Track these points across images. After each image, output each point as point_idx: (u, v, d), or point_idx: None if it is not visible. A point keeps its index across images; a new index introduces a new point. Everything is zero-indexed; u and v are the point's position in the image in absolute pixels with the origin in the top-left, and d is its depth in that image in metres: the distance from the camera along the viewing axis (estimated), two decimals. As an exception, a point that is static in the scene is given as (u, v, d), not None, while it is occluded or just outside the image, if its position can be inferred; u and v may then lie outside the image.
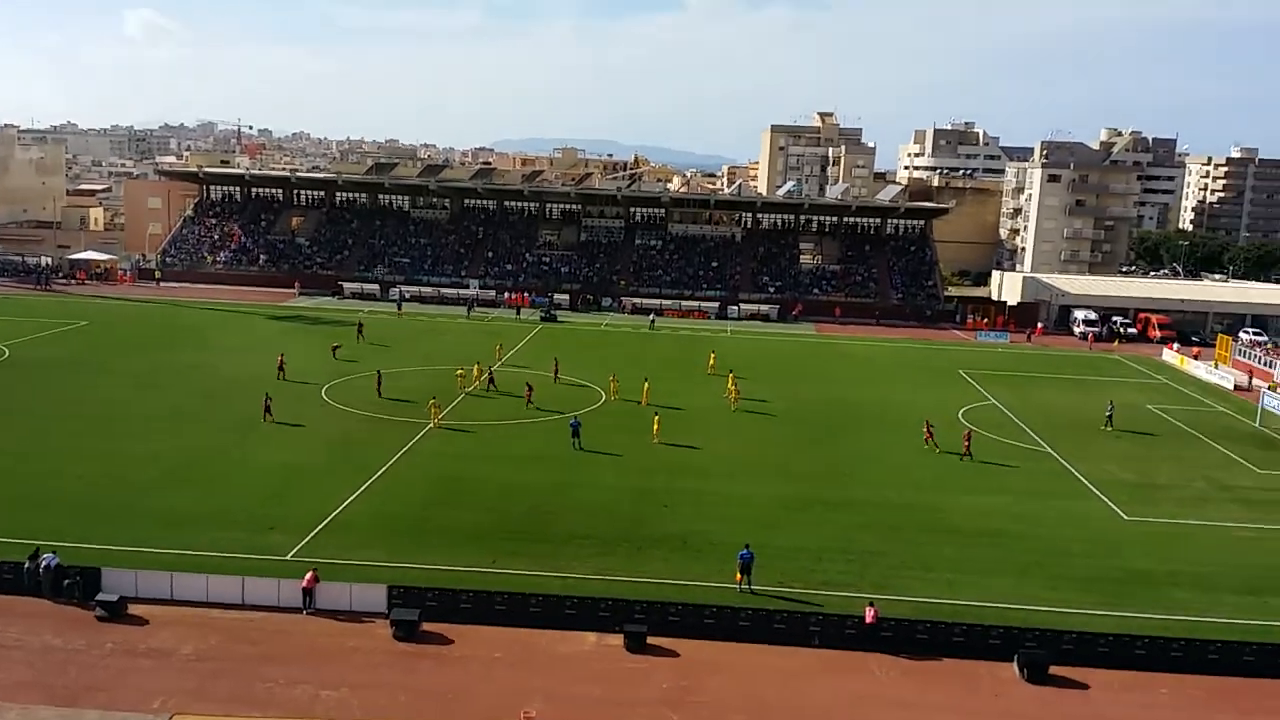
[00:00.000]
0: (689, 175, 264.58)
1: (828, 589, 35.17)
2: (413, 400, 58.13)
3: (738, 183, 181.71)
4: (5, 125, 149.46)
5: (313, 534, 38.05)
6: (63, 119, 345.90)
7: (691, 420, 57.55)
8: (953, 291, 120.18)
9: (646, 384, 61.69)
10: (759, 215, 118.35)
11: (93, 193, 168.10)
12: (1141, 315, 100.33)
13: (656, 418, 53.31)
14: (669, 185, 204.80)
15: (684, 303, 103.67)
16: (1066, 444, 55.72)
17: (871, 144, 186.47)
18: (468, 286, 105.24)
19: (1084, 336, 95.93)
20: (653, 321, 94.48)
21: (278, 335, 78.74)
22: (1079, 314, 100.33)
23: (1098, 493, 47.39)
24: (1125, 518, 44.22)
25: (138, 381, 61.83)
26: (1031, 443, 56.19)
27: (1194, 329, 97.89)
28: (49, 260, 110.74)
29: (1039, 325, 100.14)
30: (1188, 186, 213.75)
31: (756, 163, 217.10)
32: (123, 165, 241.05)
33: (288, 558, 35.82)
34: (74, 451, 46.95)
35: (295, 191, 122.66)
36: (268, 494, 42.42)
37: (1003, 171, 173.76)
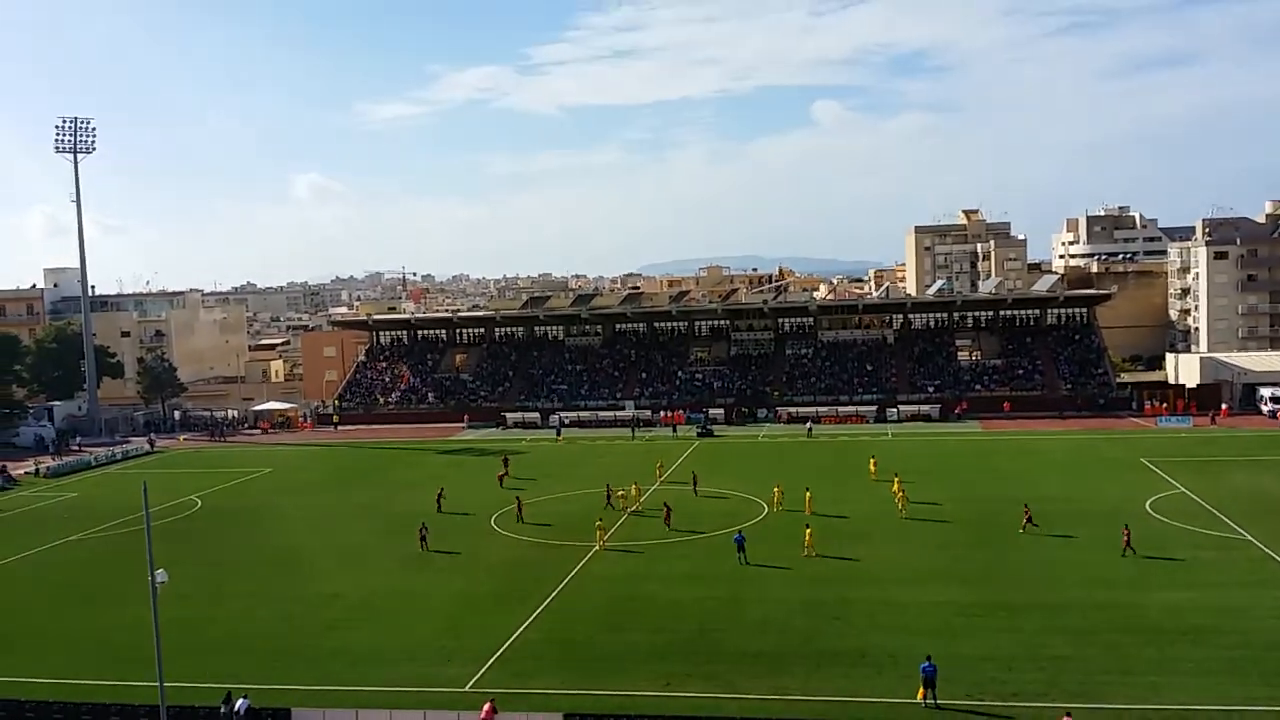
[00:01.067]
0: (835, 282, 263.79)
1: (1019, 700, 33.34)
2: (569, 525, 58.78)
3: (885, 285, 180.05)
4: (190, 290, 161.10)
5: (489, 664, 38.50)
6: (242, 280, 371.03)
7: (859, 527, 56.30)
8: (1126, 378, 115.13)
9: (809, 494, 60.82)
10: (910, 315, 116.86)
11: (272, 346, 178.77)
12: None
13: (808, 530, 52.18)
14: (815, 293, 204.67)
15: (840, 408, 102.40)
16: (1266, 529, 51.94)
17: (1022, 236, 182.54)
18: (624, 408, 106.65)
19: (1273, 415, 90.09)
20: (810, 429, 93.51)
21: (446, 468, 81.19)
22: (1265, 392, 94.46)
23: (1309, 581, 43.88)
24: (1343, 607, 40.73)
25: (318, 523, 64.58)
26: (1228, 530, 52.65)
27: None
28: (233, 413, 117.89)
29: (1223, 406, 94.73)
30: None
31: (903, 264, 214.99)
32: (299, 319, 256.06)
33: (466, 689, 36.26)
34: (260, 595, 49.08)
35: (457, 330, 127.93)
36: (444, 626, 43.26)
37: (1165, 253, 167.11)
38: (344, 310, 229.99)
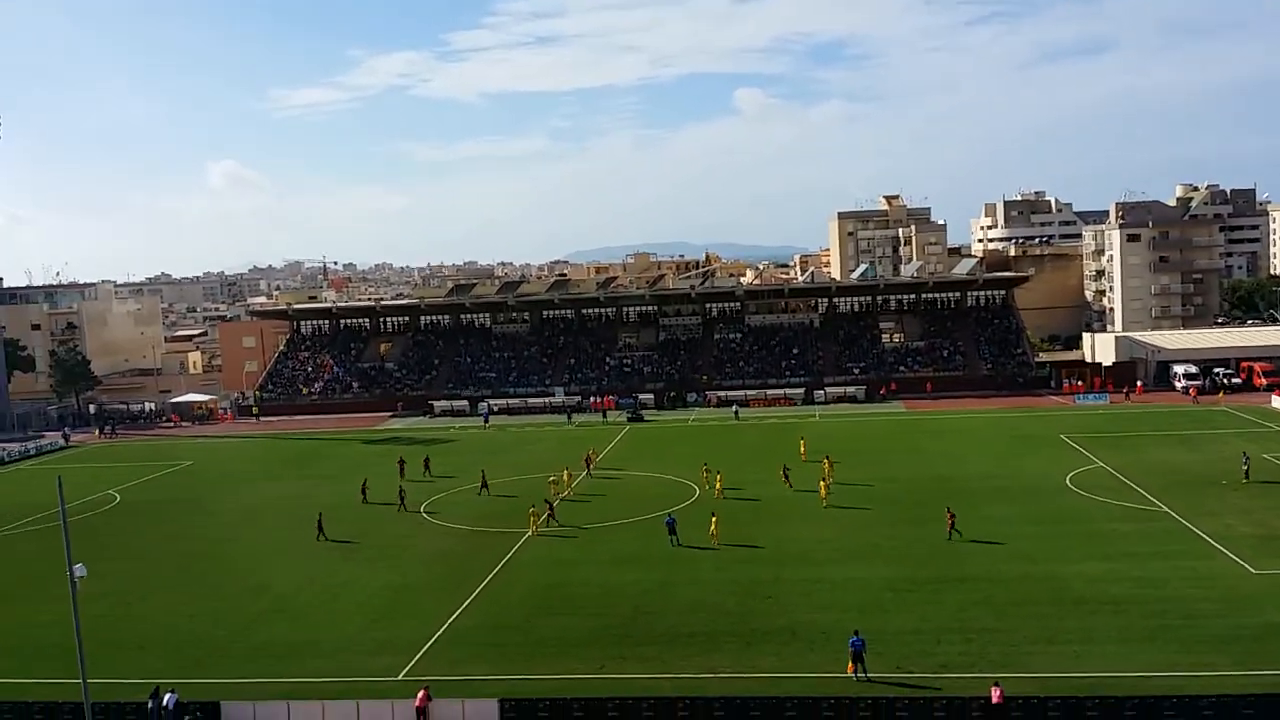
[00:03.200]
0: (761, 267, 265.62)
1: (948, 671, 33.92)
2: (500, 512, 58.39)
3: (810, 270, 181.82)
4: (103, 281, 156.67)
5: (422, 652, 38.06)
6: (157, 271, 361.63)
7: (789, 508, 56.75)
8: (1044, 357, 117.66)
9: (719, 477, 61.30)
10: (835, 300, 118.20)
11: (189, 338, 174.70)
12: (1244, 364, 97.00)
13: (714, 518, 51.46)
14: (742, 279, 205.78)
15: (769, 391, 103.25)
16: (1182, 501, 53.61)
17: (942, 221, 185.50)
18: (553, 395, 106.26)
19: (1186, 391, 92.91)
20: (736, 412, 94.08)
21: (374, 458, 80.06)
22: (1179, 369, 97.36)
23: (1221, 548, 45.33)
24: (1253, 571, 42.16)
25: (242, 516, 63.27)
26: (1146, 503, 54.15)
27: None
28: (149, 405, 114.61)
29: (1139, 384, 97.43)
30: (1274, 234, 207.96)
31: (827, 250, 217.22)
32: (216, 309, 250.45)
33: (399, 678, 35.84)
34: (186, 590, 47.92)
35: (381, 319, 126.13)
36: (376, 616, 42.68)
37: (1079, 236, 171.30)
38: (263, 300, 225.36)
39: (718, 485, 60.47)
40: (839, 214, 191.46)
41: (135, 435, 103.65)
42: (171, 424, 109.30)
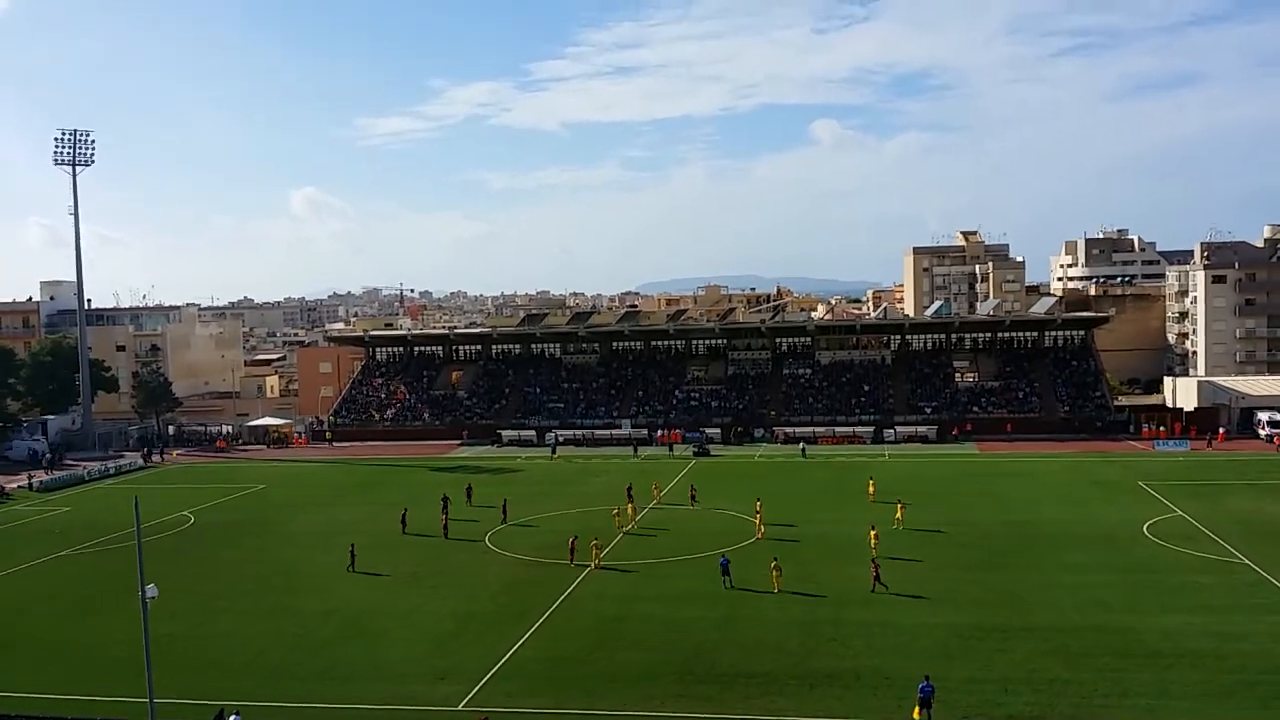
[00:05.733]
0: (833, 302, 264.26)
1: (1015, 722, 33.08)
2: (563, 543, 58.36)
3: (883, 306, 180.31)
4: (187, 304, 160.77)
5: (482, 683, 38.15)
6: (239, 295, 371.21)
7: (856, 548, 55.92)
8: (1123, 401, 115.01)
9: (759, 514, 61.18)
10: (908, 337, 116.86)
11: (268, 362, 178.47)
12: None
13: (775, 563, 49.68)
14: (813, 314, 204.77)
15: (837, 429, 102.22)
16: (1264, 553, 51.79)
17: (1020, 258, 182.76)
18: (620, 427, 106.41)
19: (1270, 439, 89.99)
20: (803, 450, 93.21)
21: (440, 486, 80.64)
22: (1263, 416, 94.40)
23: (1307, 606, 43.68)
24: (1341, 631, 40.51)
25: (310, 540, 64.23)
26: (1226, 554, 52.42)
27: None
28: (227, 428, 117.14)
29: (1220, 431, 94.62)
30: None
31: (901, 285, 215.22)
32: (295, 334, 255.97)
33: (459, 708, 35.95)
34: (252, 612, 48.73)
35: (454, 347, 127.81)
36: (437, 643, 42.95)
37: (1163, 276, 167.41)
38: (340, 326, 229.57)
39: (758, 521, 60.37)
40: (914, 249, 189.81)
41: (186, 458, 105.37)
42: (216, 449, 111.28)
